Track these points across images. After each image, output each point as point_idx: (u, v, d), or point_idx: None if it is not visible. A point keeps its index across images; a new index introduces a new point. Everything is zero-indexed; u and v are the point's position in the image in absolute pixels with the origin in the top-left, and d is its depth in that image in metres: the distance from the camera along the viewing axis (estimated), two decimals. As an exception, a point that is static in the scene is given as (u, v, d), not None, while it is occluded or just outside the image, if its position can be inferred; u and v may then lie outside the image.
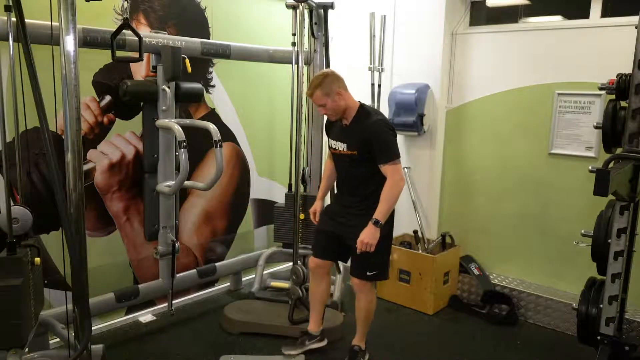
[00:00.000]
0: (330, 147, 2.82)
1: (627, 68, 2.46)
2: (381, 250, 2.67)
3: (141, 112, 3.14)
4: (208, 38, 3.49)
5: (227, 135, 3.79)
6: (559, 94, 3.40)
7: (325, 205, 3.03)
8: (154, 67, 3.01)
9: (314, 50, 3.57)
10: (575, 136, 3.37)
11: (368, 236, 2.57)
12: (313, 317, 3.05)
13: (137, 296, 3.19)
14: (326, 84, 2.61)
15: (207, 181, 3.01)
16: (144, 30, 3.13)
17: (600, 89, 2.58)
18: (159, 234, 3.18)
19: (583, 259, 3.04)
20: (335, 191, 2.92)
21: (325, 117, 2.84)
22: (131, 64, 3.14)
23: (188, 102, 3.39)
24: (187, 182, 2.95)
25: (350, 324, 3.33)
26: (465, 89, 3.84)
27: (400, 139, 4.06)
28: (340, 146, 2.71)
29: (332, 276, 3.21)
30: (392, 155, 2.59)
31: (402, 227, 4.12)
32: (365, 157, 2.62)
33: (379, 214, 2.57)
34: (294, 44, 3.40)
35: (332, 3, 3.45)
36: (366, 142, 2.60)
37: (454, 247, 3.83)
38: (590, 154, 3.32)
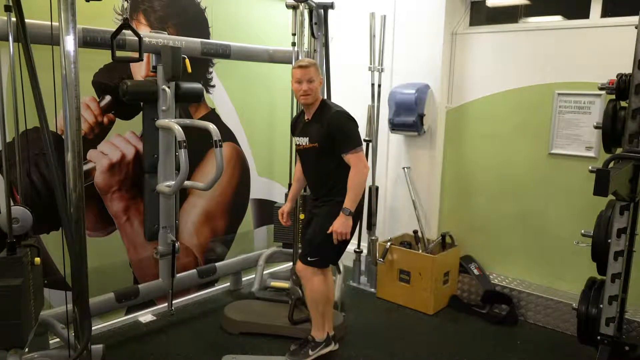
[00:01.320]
0: (296, 145, 2.88)
1: (627, 68, 2.47)
2: (326, 238, 2.69)
3: (141, 112, 3.14)
4: (208, 38, 3.49)
5: (227, 135, 3.79)
6: (559, 94, 3.40)
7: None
8: (154, 67, 3.01)
9: (314, 50, 3.57)
10: (575, 136, 3.37)
11: (340, 226, 2.61)
12: (315, 323, 3.00)
13: (137, 296, 3.19)
14: (315, 71, 2.72)
15: (207, 181, 3.01)
16: (144, 30, 3.13)
17: (600, 89, 2.58)
18: (159, 234, 3.18)
19: (583, 259, 3.04)
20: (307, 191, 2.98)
21: (289, 119, 2.93)
22: (131, 64, 3.14)
23: (188, 102, 3.39)
24: (187, 182, 2.95)
25: (350, 324, 3.34)
26: (465, 89, 3.83)
27: (400, 138, 4.08)
28: (303, 141, 2.78)
29: (333, 276, 3.21)
30: (354, 143, 2.65)
31: (402, 227, 4.12)
32: (326, 148, 2.68)
33: (348, 202, 2.63)
34: (294, 44, 3.39)
35: (332, 3, 3.45)
36: (327, 133, 2.66)
37: (454, 247, 3.82)
38: (590, 154, 3.32)
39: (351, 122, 2.70)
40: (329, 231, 2.64)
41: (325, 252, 2.77)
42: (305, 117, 2.81)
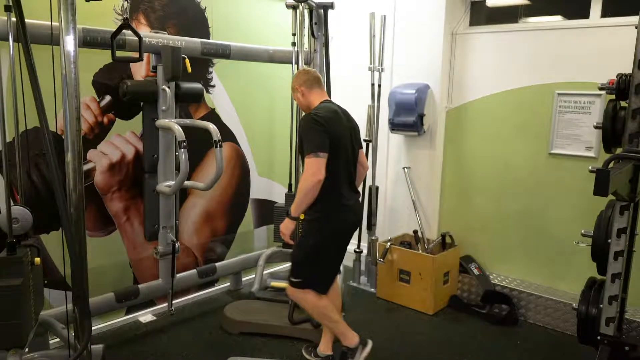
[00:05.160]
0: None
1: (627, 68, 2.46)
2: (303, 259, 2.62)
3: (141, 112, 3.14)
4: (208, 38, 3.50)
5: (227, 135, 3.79)
6: (559, 94, 3.40)
7: None
8: (154, 67, 3.01)
9: (314, 50, 3.57)
10: (575, 136, 3.37)
11: (282, 225, 2.59)
12: (323, 337, 2.95)
13: (137, 296, 3.19)
14: (293, 80, 2.73)
15: (207, 181, 3.01)
16: (144, 30, 3.13)
17: (600, 89, 2.58)
18: (159, 234, 3.18)
19: (583, 259, 3.04)
20: None
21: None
22: (131, 64, 3.15)
23: (188, 102, 3.39)
24: (187, 182, 2.95)
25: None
26: (465, 89, 3.83)
27: (400, 139, 4.08)
28: None
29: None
30: (310, 147, 2.41)
31: (402, 227, 4.13)
32: (302, 156, 2.51)
33: (293, 205, 2.53)
34: (294, 44, 3.40)
35: (332, 3, 3.45)
36: (299, 138, 2.63)
37: (454, 247, 3.83)
38: (590, 154, 3.32)
39: (314, 125, 2.44)
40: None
41: (305, 274, 2.63)
42: None
